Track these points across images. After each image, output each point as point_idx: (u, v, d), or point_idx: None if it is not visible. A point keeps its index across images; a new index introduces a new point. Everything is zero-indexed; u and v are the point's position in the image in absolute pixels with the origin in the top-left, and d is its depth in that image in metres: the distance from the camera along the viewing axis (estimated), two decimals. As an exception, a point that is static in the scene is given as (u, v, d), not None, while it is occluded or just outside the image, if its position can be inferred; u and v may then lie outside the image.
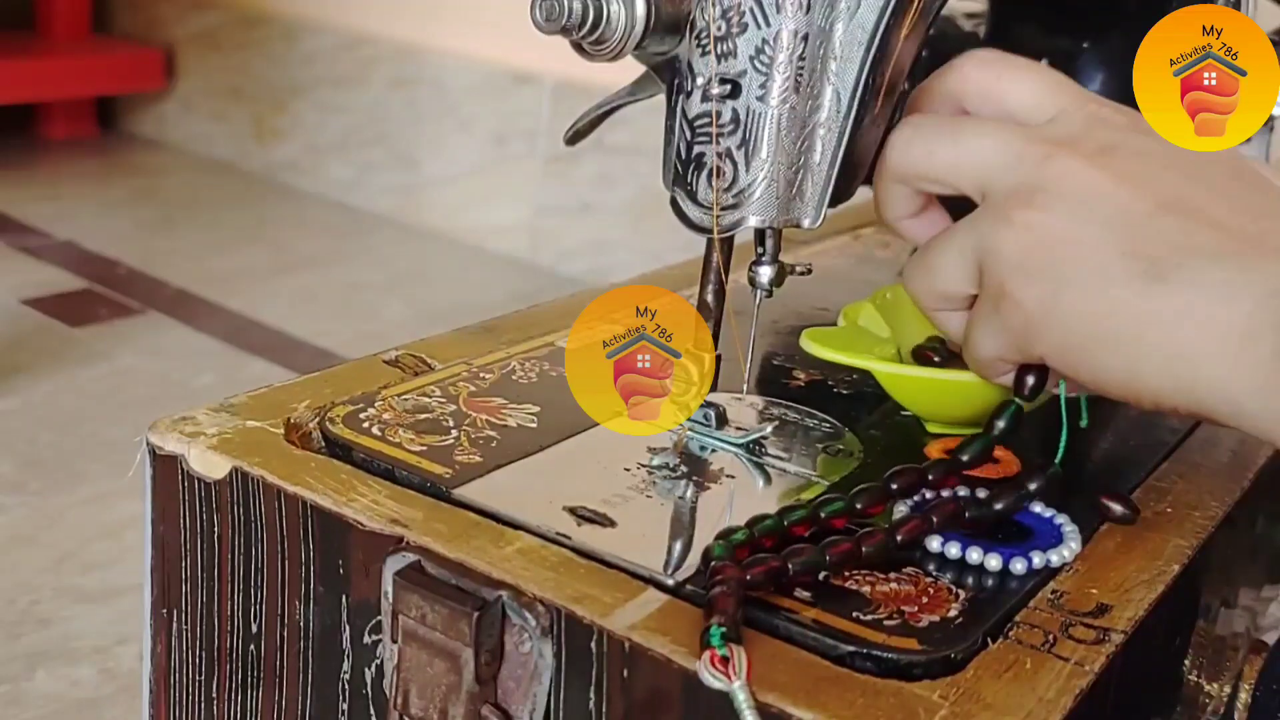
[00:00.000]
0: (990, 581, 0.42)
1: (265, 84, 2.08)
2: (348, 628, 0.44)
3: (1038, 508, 0.46)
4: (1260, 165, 0.44)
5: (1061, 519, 0.45)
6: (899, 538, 0.42)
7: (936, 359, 0.56)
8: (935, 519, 0.43)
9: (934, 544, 0.43)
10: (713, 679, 0.34)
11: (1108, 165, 0.42)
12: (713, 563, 0.39)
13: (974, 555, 0.42)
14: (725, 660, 0.34)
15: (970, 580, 0.42)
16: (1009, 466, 0.49)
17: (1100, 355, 0.41)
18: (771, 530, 0.42)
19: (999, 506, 0.44)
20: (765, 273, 0.49)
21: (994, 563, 0.42)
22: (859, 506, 0.44)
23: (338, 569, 0.43)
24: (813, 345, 0.52)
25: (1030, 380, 0.45)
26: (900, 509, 0.45)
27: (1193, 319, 0.39)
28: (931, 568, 0.42)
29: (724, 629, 0.35)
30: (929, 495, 0.46)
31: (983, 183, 0.44)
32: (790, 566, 0.39)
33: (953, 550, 0.43)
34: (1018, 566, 0.42)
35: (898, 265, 0.76)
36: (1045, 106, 0.45)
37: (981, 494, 0.46)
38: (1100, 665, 0.38)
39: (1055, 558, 0.43)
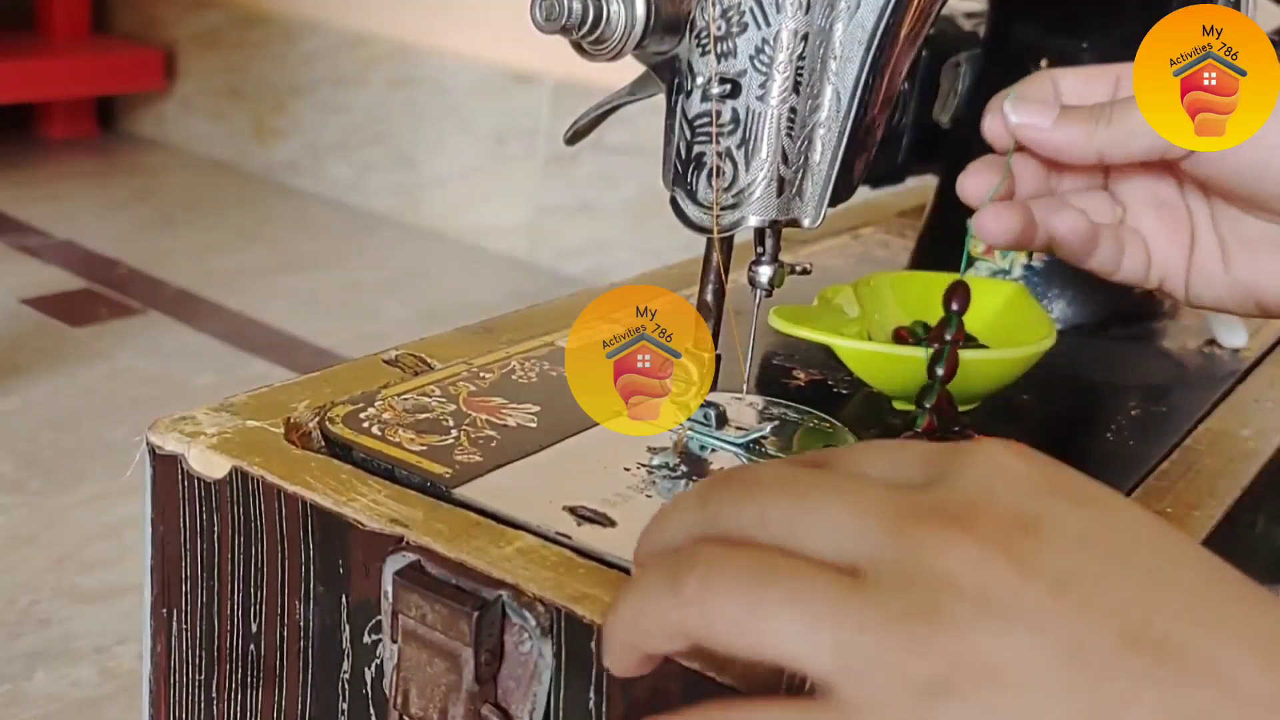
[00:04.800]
0: None
1: (265, 84, 2.08)
2: (348, 627, 0.44)
3: None
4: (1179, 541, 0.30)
5: None
6: None
7: (911, 339, 0.57)
8: None
9: None
10: None
11: (1025, 559, 0.28)
12: None
13: None
14: None
15: None
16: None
17: None
18: None
19: None
20: (765, 273, 0.49)
21: None
22: None
23: (338, 569, 0.43)
24: (779, 321, 0.54)
25: None
26: None
27: None
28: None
29: None
30: None
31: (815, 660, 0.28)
32: None
33: None
34: None
35: (897, 265, 0.76)
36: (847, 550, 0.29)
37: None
38: (1100, 665, 0.38)
39: None
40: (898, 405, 0.55)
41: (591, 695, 0.38)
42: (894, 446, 0.32)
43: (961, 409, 0.50)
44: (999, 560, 0.27)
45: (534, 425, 0.50)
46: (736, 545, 0.30)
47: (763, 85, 0.44)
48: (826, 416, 0.53)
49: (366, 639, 0.43)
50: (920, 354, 0.51)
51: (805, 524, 0.30)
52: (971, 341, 0.55)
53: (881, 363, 0.54)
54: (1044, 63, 0.67)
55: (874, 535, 0.29)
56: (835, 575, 0.28)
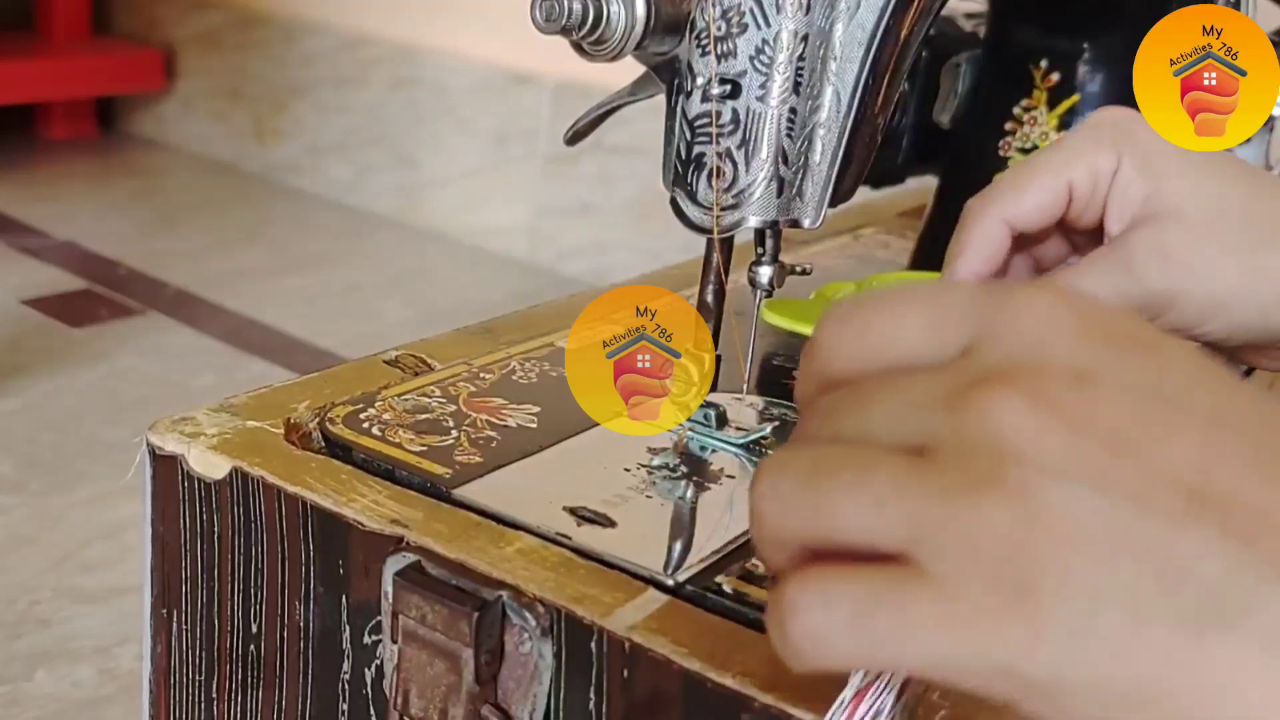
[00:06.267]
0: None
1: (265, 84, 2.08)
2: (348, 628, 0.44)
3: None
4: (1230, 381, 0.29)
5: None
6: None
7: None
8: None
9: None
10: None
11: (1080, 416, 0.27)
12: None
13: None
14: None
15: None
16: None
17: (1113, 711, 0.27)
18: None
19: None
20: (765, 273, 0.49)
21: None
22: None
23: (338, 569, 0.43)
24: (771, 315, 0.54)
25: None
26: None
27: (1268, 685, 0.26)
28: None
29: None
30: None
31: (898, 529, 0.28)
32: None
33: None
34: None
35: (897, 265, 0.76)
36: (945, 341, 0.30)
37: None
38: (1100, 665, 0.38)
39: None
40: None
41: (591, 695, 0.38)
42: (929, 307, 0.31)
43: None
44: (1054, 421, 0.27)
45: (534, 426, 0.50)
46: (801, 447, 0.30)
47: (763, 86, 0.44)
48: (826, 417, 0.53)
49: (366, 640, 0.43)
50: None
51: (864, 421, 0.30)
52: None
53: None
54: (1044, 63, 0.67)
55: (928, 414, 0.29)
56: (898, 456, 0.28)
